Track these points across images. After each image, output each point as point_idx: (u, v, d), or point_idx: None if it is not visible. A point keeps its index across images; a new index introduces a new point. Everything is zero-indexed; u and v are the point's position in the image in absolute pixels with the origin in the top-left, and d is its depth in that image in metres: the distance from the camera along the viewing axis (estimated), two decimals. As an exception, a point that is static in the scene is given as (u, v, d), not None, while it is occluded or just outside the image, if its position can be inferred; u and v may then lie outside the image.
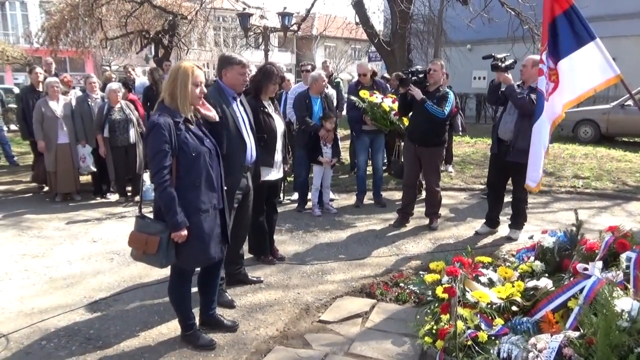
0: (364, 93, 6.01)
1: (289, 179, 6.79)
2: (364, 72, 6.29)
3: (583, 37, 3.46)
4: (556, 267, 3.22)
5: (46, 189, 6.90)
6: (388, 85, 7.15)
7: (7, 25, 28.49)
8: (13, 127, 11.11)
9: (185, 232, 2.68)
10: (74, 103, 6.47)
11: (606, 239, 3.07)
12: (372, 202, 6.57)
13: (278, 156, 4.09)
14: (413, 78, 5.08)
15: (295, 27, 13.33)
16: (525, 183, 4.07)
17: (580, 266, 2.80)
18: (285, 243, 4.94)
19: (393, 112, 5.90)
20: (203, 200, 2.77)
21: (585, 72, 3.50)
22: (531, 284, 3.01)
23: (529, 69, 4.62)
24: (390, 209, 6.05)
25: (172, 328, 3.24)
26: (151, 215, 2.81)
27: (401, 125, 6.03)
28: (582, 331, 2.30)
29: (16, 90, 16.14)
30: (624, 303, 2.16)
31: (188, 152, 2.70)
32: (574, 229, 3.42)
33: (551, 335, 2.36)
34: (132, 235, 2.79)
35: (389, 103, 5.97)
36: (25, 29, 25.56)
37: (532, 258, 3.39)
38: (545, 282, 2.96)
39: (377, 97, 5.96)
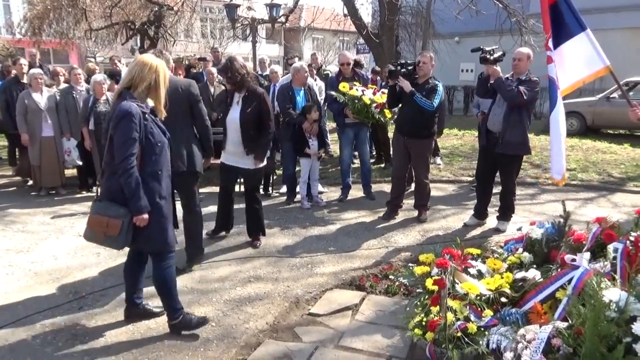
0: (343, 86, 5.87)
1: (277, 172, 6.76)
2: (346, 62, 6.12)
3: (574, 28, 3.46)
4: (544, 258, 3.24)
5: (30, 182, 6.78)
6: (370, 77, 7.03)
7: (-12, 15, 27.84)
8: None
9: (147, 216, 2.79)
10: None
11: (593, 230, 3.09)
12: (362, 195, 6.58)
13: (233, 147, 4.43)
14: (402, 70, 5.06)
15: (283, 19, 13.24)
16: (551, 176, 4.03)
17: (568, 257, 2.81)
18: (275, 236, 4.92)
19: (374, 105, 5.82)
20: (163, 187, 2.91)
21: (575, 62, 3.51)
22: (520, 275, 3.03)
23: (525, 62, 4.63)
24: (380, 201, 6.04)
25: (159, 322, 3.21)
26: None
27: (382, 118, 6.01)
28: (570, 322, 2.31)
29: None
30: (611, 293, 2.18)
31: (154, 142, 2.82)
32: (562, 220, 3.44)
33: (540, 326, 2.38)
34: (93, 218, 2.87)
35: (370, 95, 5.88)
36: (7, 19, 24.97)
37: (520, 249, 3.40)
38: (533, 274, 2.97)
39: (357, 90, 5.84)
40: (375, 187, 6.89)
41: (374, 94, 5.92)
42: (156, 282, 3.04)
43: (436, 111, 5.11)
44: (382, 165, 8.10)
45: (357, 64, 7.36)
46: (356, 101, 5.80)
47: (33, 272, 4.04)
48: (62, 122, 6.29)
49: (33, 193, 6.47)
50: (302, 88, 5.85)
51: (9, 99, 6.70)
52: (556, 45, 3.52)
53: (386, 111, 5.89)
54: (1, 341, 2.98)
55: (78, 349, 2.91)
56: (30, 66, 7.30)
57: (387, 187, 6.73)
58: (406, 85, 4.97)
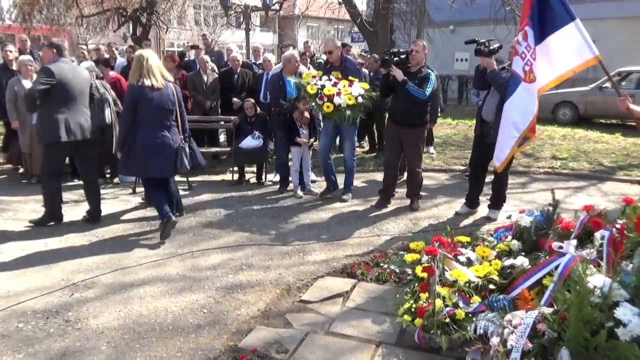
0: (306, 75, 5.54)
1: (270, 160, 6.76)
2: (330, 50, 5.64)
3: (563, 18, 3.47)
4: (533, 245, 3.28)
5: (21, 170, 6.73)
6: (361, 66, 6.57)
7: (-24, 1, 27.39)
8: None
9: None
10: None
11: (581, 218, 3.12)
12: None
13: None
14: (395, 59, 5.05)
15: (277, 6, 13.14)
16: (492, 161, 4.11)
17: (555, 244, 2.85)
18: (267, 224, 4.93)
19: (318, 96, 5.29)
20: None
21: (564, 53, 3.52)
22: (508, 262, 3.07)
23: None
24: (372, 190, 6.07)
25: (151, 309, 3.23)
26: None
27: (347, 111, 5.29)
28: (555, 307, 2.35)
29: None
30: (596, 280, 2.21)
31: None
32: (551, 208, 3.48)
33: (526, 312, 2.41)
34: None
35: (357, 90, 5.36)
36: (-4, 4, 24.60)
37: (509, 237, 3.44)
38: (521, 261, 3.02)
39: (316, 84, 5.35)
40: (367, 176, 6.93)
41: (336, 83, 5.37)
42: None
43: (429, 100, 5.11)
44: (374, 154, 8.11)
45: (344, 46, 7.41)
46: (316, 98, 5.33)
47: (24, 259, 4.04)
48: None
49: (24, 181, 6.44)
50: (293, 77, 5.83)
51: (-1, 85, 6.62)
52: (543, 37, 3.54)
53: (349, 97, 5.27)
54: (-7, 328, 2.99)
55: (70, 335, 2.92)
56: (21, 52, 7.21)
57: (379, 176, 6.75)
58: (399, 74, 4.96)
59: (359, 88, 5.38)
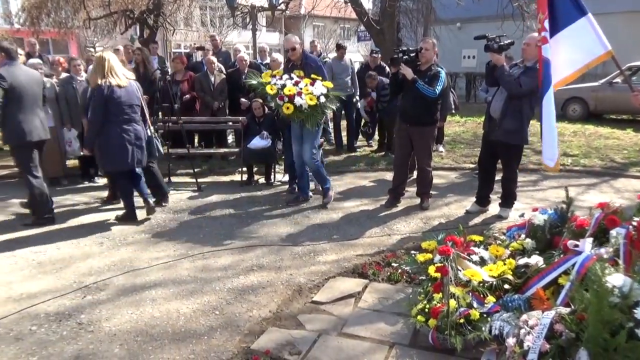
0: (265, 75, 5.26)
1: (279, 160, 6.75)
2: (292, 47, 5.20)
3: (574, 14, 3.42)
4: (547, 244, 3.24)
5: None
6: (319, 61, 5.72)
7: (-15, 5, 27.63)
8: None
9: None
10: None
11: (596, 216, 3.08)
12: (363, 183, 6.58)
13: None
14: (404, 57, 5.01)
15: (283, 6, 13.13)
16: (543, 163, 3.95)
17: (571, 243, 2.81)
18: (277, 225, 4.92)
19: (278, 96, 5.00)
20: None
21: (577, 48, 3.47)
22: (522, 261, 3.03)
23: (532, 48, 4.43)
24: (382, 189, 6.04)
25: (163, 311, 3.23)
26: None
27: (301, 110, 4.96)
28: (573, 307, 2.31)
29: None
30: (615, 279, 2.17)
31: None
32: (564, 206, 3.43)
33: (542, 312, 2.38)
34: None
35: (319, 90, 4.99)
36: (5, 8, 24.78)
37: (522, 236, 3.40)
38: (536, 260, 2.97)
39: (275, 84, 5.05)
40: (377, 176, 6.91)
41: (298, 82, 5.04)
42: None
43: (439, 98, 5.07)
44: (383, 153, 8.09)
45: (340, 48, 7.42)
46: (276, 97, 5.02)
47: (36, 262, 4.06)
48: (62, 113, 6.26)
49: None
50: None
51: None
52: (554, 32, 3.48)
53: (311, 98, 4.94)
54: (6, 331, 3.00)
55: (83, 338, 2.93)
56: (30, 56, 7.25)
57: (389, 175, 6.72)
58: (408, 72, 4.93)
59: (321, 87, 5.05)
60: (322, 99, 5.00)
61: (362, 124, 8.47)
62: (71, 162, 6.92)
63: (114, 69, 4.65)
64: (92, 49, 24.54)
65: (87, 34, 19.89)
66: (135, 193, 5.09)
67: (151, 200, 5.11)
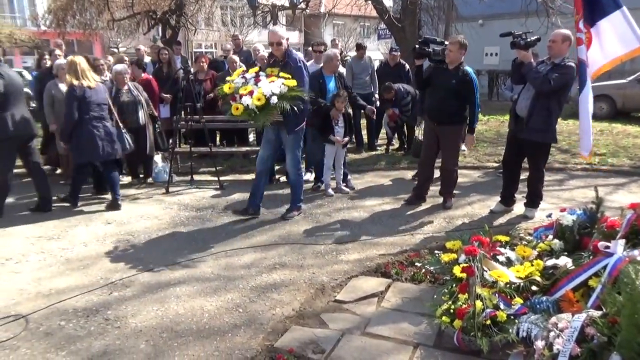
0: (272, 71, 4.66)
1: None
2: (277, 41, 4.66)
3: (609, 6, 3.34)
4: (575, 245, 3.17)
5: (59, 171, 6.92)
6: (300, 64, 4.81)
7: (13, 8, 28.37)
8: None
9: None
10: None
11: (628, 217, 3.00)
12: (383, 182, 6.53)
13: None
14: (428, 50, 4.94)
15: (303, 5, 13.13)
16: (580, 152, 3.99)
17: (601, 244, 2.74)
18: (299, 223, 4.93)
19: (239, 95, 4.47)
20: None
21: (611, 41, 3.39)
22: (550, 262, 2.97)
23: (559, 44, 4.38)
24: (403, 188, 6.00)
25: (188, 308, 3.26)
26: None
27: (257, 114, 4.44)
28: (604, 310, 2.26)
29: (25, 73, 16.16)
30: (649, 282, 2.11)
31: None
32: (594, 206, 3.35)
33: (572, 315, 2.33)
34: None
35: (269, 88, 4.42)
36: (32, 11, 25.45)
37: (550, 237, 3.33)
38: (564, 261, 2.92)
39: (236, 82, 4.58)
40: (398, 174, 6.86)
41: (257, 82, 4.50)
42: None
43: (475, 99, 5.01)
44: (403, 152, 8.03)
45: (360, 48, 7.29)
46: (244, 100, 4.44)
47: (64, 258, 4.14)
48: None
49: (62, 182, 6.60)
50: (333, 75, 5.79)
51: (42, 89, 6.82)
52: (592, 22, 3.41)
53: (237, 106, 4.45)
54: (35, 326, 3.07)
55: (110, 333, 2.98)
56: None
57: (410, 174, 6.68)
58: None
59: (275, 86, 4.45)
60: (274, 99, 4.40)
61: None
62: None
63: (85, 72, 5.20)
64: (115, 50, 24.99)
65: (110, 34, 20.25)
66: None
67: (120, 201, 5.50)
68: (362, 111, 8.09)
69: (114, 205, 5.46)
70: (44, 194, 5.40)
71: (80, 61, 5.25)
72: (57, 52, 7.24)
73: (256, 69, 4.74)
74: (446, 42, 4.99)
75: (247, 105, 4.40)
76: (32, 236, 4.65)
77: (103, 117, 5.30)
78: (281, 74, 4.57)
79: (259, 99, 4.39)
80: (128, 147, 5.65)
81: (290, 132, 4.78)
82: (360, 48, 8.12)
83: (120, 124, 5.58)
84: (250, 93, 4.42)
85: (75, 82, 5.12)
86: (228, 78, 4.81)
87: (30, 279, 3.75)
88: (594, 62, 3.52)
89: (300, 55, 5.04)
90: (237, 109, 4.46)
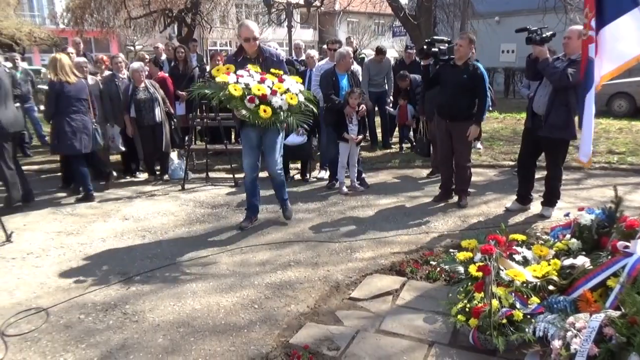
0: (217, 70, 4.19)
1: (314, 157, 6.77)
2: (253, 36, 4.30)
3: (626, 3, 3.27)
4: (594, 245, 3.12)
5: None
6: (282, 57, 4.68)
7: (32, 6, 28.80)
8: (42, 107, 11.31)
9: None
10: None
11: (647, 216, 2.95)
12: (396, 180, 6.51)
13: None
14: (433, 50, 4.94)
15: (318, 3, 13.13)
16: (579, 157, 3.91)
17: (620, 244, 2.71)
18: (313, 221, 4.94)
19: (248, 97, 3.98)
20: None
21: (627, 40, 3.32)
22: (567, 262, 2.94)
23: (574, 41, 4.32)
24: (417, 186, 5.98)
25: (204, 304, 3.30)
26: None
27: (287, 116, 4.15)
28: (623, 310, 2.23)
29: (44, 70, 16.42)
30: (670, 282, 2.09)
31: None
32: (613, 205, 3.30)
33: (590, 315, 2.31)
34: None
35: (297, 87, 4.21)
36: (51, 9, 25.81)
37: (568, 236, 3.29)
38: (582, 261, 2.88)
39: (238, 83, 4.01)
40: (412, 172, 6.84)
41: (262, 81, 4.09)
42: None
43: (485, 93, 5.00)
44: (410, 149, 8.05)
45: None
46: (225, 92, 3.99)
47: (83, 253, 4.22)
48: (106, 110, 6.45)
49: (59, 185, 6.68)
50: (346, 73, 5.79)
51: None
52: (602, 26, 3.33)
53: (265, 108, 3.99)
54: (56, 319, 3.14)
55: (128, 327, 3.03)
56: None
57: (424, 172, 6.66)
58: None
59: (294, 83, 4.24)
60: (301, 97, 4.19)
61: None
62: (114, 157, 7.13)
63: (64, 67, 5.45)
64: (132, 47, 25.25)
65: (127, 32, 20.46)
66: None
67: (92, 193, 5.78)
68: (376, 109, 8.15)
69: (87, 197, 5.70)
70: (27, 187, 5.57)
71: (62, 57, 5.52)
72: (70, 49, 7.35)
73: (232, 66, 4.18)
74: (451, 40, 4.97)
75: (280, 106, 4.04)
76: (52, 231, 4.74)
77: (81, 111, 5.54)
78: (272, 70, 4.29)
79: (291, 98, 4.08)
80: (100, 144, 5.86)
81: (282, 128, 4.54)
82: (380, 52, 7.99)
83: (93, 119, 5.76)
84: (274, 92, 4.04)
85: (54, 78, 5.38)
86: (218, 79, 4.06)
87: (51, 273, 3.83)
88: (603, 66, 3.43)
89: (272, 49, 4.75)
90: (266, 112, 3.99)
